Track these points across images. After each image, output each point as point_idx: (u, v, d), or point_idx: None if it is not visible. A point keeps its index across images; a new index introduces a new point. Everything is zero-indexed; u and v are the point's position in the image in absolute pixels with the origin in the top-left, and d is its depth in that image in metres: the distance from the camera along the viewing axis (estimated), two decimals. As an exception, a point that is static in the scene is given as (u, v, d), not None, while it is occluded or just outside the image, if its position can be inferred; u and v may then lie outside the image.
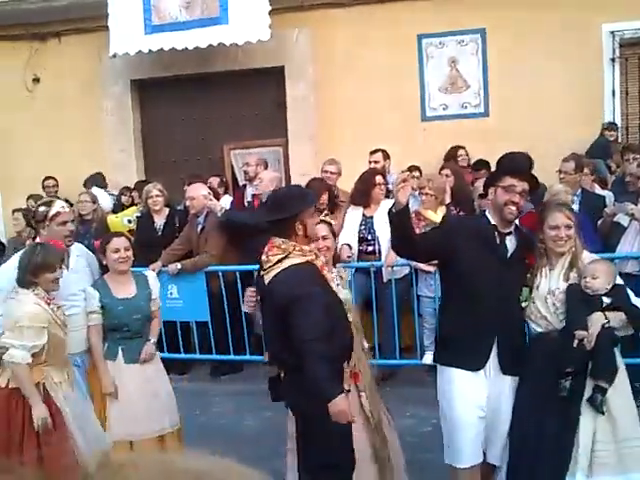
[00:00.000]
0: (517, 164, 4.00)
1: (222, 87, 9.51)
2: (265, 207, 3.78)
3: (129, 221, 7.74)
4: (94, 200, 7.88)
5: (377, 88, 8.89)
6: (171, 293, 7.00)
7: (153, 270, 5.92)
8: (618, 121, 8.62)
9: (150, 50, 8.69)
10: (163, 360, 5.80)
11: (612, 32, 8.45)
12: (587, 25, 8.40)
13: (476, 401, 3.86)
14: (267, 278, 3.62)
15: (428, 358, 6.48)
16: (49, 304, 4.09)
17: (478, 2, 8.61)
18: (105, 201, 8.52)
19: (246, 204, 7.88)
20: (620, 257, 6.21)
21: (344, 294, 4.09)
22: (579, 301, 3.80)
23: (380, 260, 6.54)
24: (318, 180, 7.09)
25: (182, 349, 7.20)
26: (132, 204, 8.45)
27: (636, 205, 6.14)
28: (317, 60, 9.10)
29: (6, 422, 3.92)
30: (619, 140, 8.45)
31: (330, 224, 4.31)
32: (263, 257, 3.66)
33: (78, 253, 4.87)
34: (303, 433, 3.72)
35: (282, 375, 3.75)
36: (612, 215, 6.31)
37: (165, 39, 8.65)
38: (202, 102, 9.64)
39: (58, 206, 4.65)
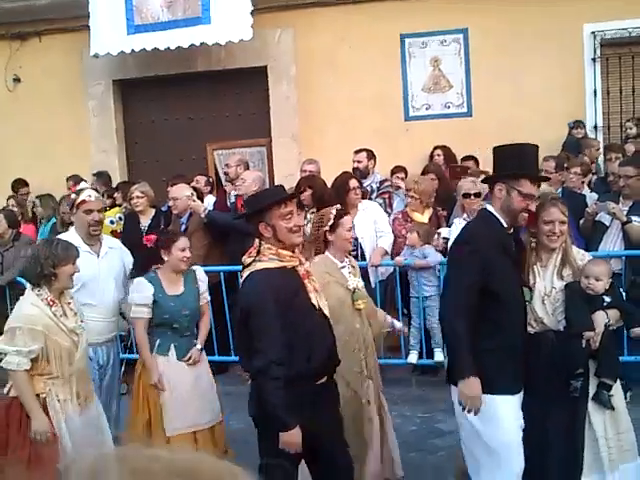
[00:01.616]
0: (533, 164, 3.85)
1: (205, 87, 9.48)
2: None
3: (112, 222, 7.69)
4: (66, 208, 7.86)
5: (360, 88, 8.90)
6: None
7: None
8: (600, 121, 8.68)
9: (133, 50, 8.64)
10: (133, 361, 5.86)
11: (593, 32, 8.51)
12: (569, 25, 8.45)
13: (519, 420, 3.67)
14: (241, 280, 3.61)
15: (413, 357, 6.52)
16: (52, 306, 3.91)
17: (460, 2, 8.62)
18: None
19: (229, 205, 7.85)
20: (602, 255, 6.25)
21: (354, 282, 4.17)
22: (582, 301, 3.73)
23: (364, 261, 6.54)
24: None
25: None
26: (114, 205, 8.40)
27: (617, 204, 6.18)
28: (300, 60, 9.09)
29: (4, 427, 3.81)
30: (599, 137, 8.53)
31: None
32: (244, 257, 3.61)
33: (110, 245, 4.93)
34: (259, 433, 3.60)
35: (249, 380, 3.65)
36: (594, 214, 6.35)
37: (147, 39, 8.60)
38: (185, 102, 9.61)
39: (85, 194, 4.68)
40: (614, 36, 8.52)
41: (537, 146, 3.86)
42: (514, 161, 3.76)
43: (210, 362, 7.12)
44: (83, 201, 4.68)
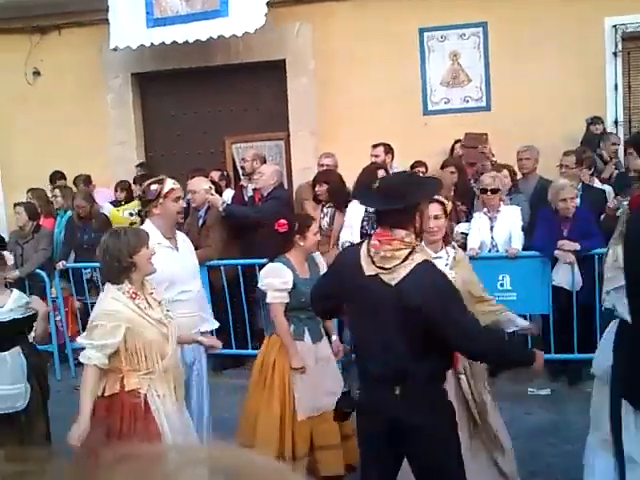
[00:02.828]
0: None
1: (223, 81, 9.48)
2: (375, 194, 3.29)
3: (130, 214, 7.74)
4: (85, 200, 7.90)
5: (378, 82, 8.86)
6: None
7: None
8: (620, 115, 8.60)
9: (152, 44, 8.65)
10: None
11: (614, 26, 8.42)
12: (589, 19, 8.37)
13: None
14: (391, 277, 3.16)
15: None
16: (134, 299, 3.72)
17: (480, -4, 8.58)
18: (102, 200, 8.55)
19: (247, 199, 7.87)
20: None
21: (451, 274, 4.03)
22: None
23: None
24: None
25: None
26: (131, 197, 8.44)
27: (638, 199, 6.13)
28: (318, 54, 9.06)
29: (105, 432, 3.61)
30: (620, 133, 8.45)
31: (443, 203, 4.13)
32: (380, 253, 3.18)
33: (183, 238, 4.83)
34: (422, 451, 3.29)
35: (397, 391, 3.22)
36: (614, 210, 6.30)
37: (166, 33, 8.60)
38: (203, 96, 9.61)
39: (170, 183, 4.58)
40: (636, 30, 8.42)
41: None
42: None
43: (227, 356, 7.20)
44: (171, 189, 4.53)
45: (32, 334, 4.89)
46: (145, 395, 3.67)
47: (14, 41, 9.79)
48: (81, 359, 3.71)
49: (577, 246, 6.11)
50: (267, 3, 8.21)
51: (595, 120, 8.19)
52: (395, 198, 3.18)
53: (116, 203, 8.61)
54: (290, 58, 9.16)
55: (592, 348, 6.27)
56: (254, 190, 7.67)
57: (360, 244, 3.45)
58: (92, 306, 6.69)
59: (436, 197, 4.00)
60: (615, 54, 8.51)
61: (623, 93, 8.63)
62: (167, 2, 8.64)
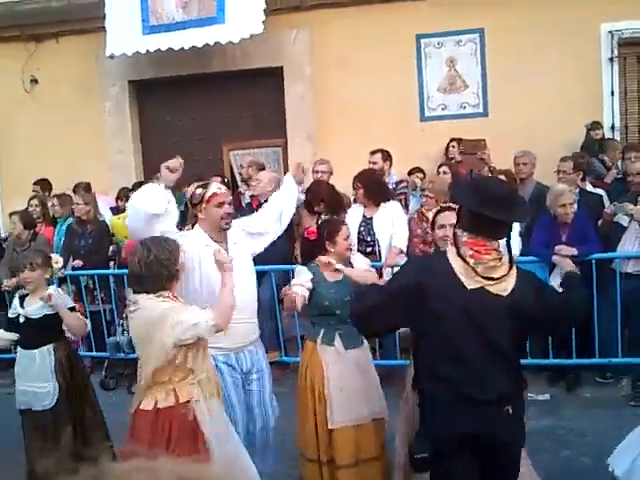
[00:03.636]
0: None
1: (220, 88, 9.49)
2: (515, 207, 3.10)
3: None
4: (87, 202, 7.87)
5: (375, 88, 8.87)
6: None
7: None
8: (617, 121, 8.61)
9: (148, 51, 8.66)
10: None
11: (611, 32, 8.44)
12: (586, 25, 8.39)
13: None
14: (501, 288, 3.02)
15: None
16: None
17: (476, 2, 8.59)
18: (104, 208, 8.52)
19: (244, 205, 7.87)
20: (621, 257, 6.22)
21: None
22: None
23: (380, 261, 6.52)
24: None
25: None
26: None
27: (635, 205, 6.13)
28: (315, 61, 9.08)
29: (148, 444, 3.49)
30: (617, 138, 8.46)
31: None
32: (485, 263, 3.03)
33: (235, 240, 4.58)
34: (511, 468, 3.18)
35: (509, 410, 3.03)
36: (612, 215, 6.30)
37: (162, 39, 8.61)
38: (200, 103, 9.62)
39: (214, 187, 4.44)
40: (632, 35, 8.44)
41: None
42: None
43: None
44: (214, 194, 4.38)
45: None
46: (195, 402, 3.61)
47: (11, 49, 9.80)
48: (202, 330, 3.57)
49: (575, 251, 6.11)
50: (264, 10, 8.23)
51: (595, 125, 8.19)
52: (513, 211, 3.09)
53: (116, 210, 8.59)
54: (287, 65, 9.17)
55: (590, 354, 6.29)
56: (251, 197, 7.67)
57: (435, 259, 3.37)
58: (91, 313, 6.71)
59: (450, 205, 3.97)
60: (611, 60, 8.53)
61: (619, 98, 8.65)
62: (163, 9, 8.65)
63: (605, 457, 3.68)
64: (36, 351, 4.76)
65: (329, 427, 4.35)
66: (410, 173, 8.07)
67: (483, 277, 2.98)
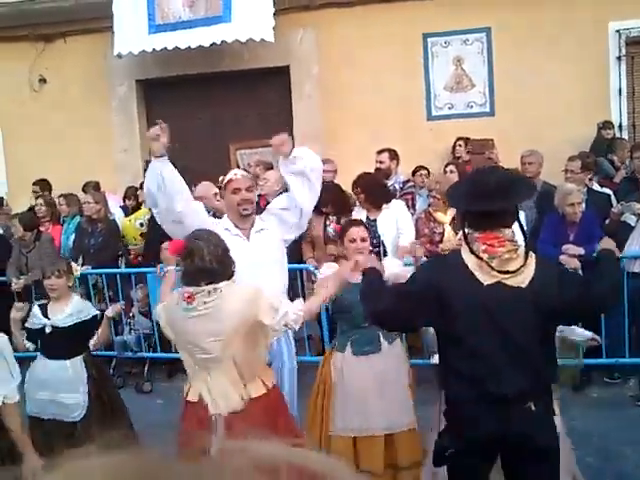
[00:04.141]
0: None
1: (227, 87, 9.50)
2: (490, 195, 2.98)
3: (141, 224, 7.70)
4: (97, 201, 7.88)
5: (382, 88, 8.88)
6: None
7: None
8: (624, 120, 8.60)
9: (154, 50, 8.68)
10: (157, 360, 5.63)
11: (618, 30, 8.43)
12: (593, 23, 8.38)
13: None
14: (519, 280, 2.96)
15: (436, 358, 6.46)
16: None
17: (483, 1, 8.59)
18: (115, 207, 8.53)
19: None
20: (628, 257, 6.21)
21: None
22: None
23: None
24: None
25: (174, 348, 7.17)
26: (138, 205, 8.44)
27: (643, 204, 6.13)
28: (322, 60, 9.09)
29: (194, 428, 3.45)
30: (624, 137, 8.43)
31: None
32: (500, 256, 2.97)
33: (262, 227, 4.49)
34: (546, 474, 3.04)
35: (532, 407, 2.95)
36: (619, 215, 6.29)
37: (168, 38, 8.63)
38: (207, 102, 9.64)
39: (231, 174, 4.45)
40: (639, 34, 8.43)
41: None
42: None
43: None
44: (230, 180, 4.39)
45: (91, 341, 4.76)
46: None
47: (19, 49, 9.84)
48: (293, 324, 3.66)
49: (582, 250, 6.10)
50: (273, 13, 8.24)
51: (606, 125, 8.17)
52: (509, 196, 3.03)
53: (126, 209, 8.60)
54: (294, 64, 9.18)
55: (597, 353, 6.28)
56: (259, 196, 7.67)
57: (449, 258, 3.31)
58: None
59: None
60: (619, 58, 8.51)
61: (627, 97, 8.63)
62: (169, 8, 8.67)
63: (611, 457, 3.68)
64: (68, 362, 4.60)
65: (329, 433, 4.27)
66: (415, 172, 8.05)
67: (499, 271, 2.93)
